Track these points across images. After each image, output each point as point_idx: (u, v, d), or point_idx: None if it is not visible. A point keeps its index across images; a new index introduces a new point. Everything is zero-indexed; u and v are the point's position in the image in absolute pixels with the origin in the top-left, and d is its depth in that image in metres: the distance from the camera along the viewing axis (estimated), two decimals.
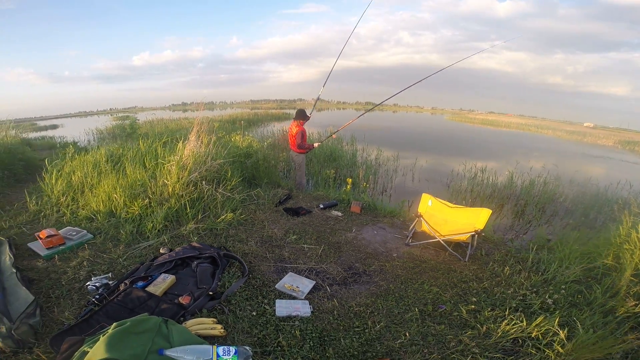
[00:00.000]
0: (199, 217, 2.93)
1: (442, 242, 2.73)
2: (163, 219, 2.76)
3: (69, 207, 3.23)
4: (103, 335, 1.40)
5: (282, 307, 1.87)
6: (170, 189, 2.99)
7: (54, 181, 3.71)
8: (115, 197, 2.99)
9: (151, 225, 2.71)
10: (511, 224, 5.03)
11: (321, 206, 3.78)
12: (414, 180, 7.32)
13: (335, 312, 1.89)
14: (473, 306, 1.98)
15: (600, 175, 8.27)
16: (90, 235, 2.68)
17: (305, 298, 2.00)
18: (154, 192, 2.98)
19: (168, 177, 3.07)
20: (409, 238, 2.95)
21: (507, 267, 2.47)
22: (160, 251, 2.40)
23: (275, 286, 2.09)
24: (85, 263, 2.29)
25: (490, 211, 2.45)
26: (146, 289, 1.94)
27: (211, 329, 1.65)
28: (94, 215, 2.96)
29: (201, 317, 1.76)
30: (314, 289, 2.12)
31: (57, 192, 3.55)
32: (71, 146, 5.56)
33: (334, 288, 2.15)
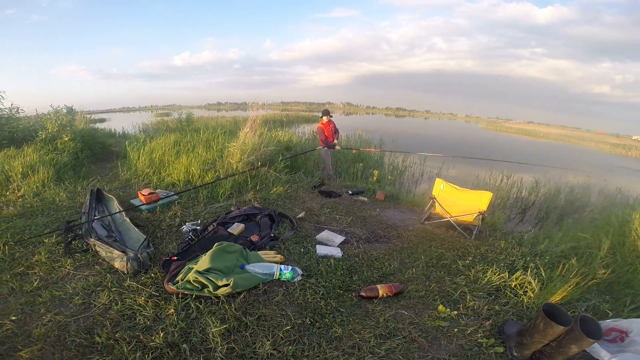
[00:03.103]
0: (257, 188, 3.74)
1: (452, 221, 3.26)
2: (230, 188, 3.60)
3: (154, 176, 4.19)
4: (205, 255, 2.14)
5: (321, 249, 2.56)
6: (234, 166, 3.85)
7: (137, 157, 4.74)
8: (192, 170, 3.89)
9: (221, 191, 3.56)
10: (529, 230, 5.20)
11: (350, 192, 4.44)
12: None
13: (360, 256, 2.55)
14: (468, 262, 2.53)
15: (637, 189, 7.92)
16: (176, 196, 3.54)
17: (337, 247, 2.68)
18: (221, 167, 3.85)
19: (232, 157, 3.94)
20: (424, 218, 3.51)
21: (504, 242, 2.95)
22: (231, 208, 3.22)
23: (316, 237, 2.80)
24: (178, 214, 3.09)
25: (492, 194, 2.96)
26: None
27: (273, 257, 2.36)
28: (177, 182, 3.88)
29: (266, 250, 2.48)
30: (344, 242, 2.79)
31: (141, 164, 4.55)
32: (143, 134, 6.99)
33: (359, 243, 2.82)
